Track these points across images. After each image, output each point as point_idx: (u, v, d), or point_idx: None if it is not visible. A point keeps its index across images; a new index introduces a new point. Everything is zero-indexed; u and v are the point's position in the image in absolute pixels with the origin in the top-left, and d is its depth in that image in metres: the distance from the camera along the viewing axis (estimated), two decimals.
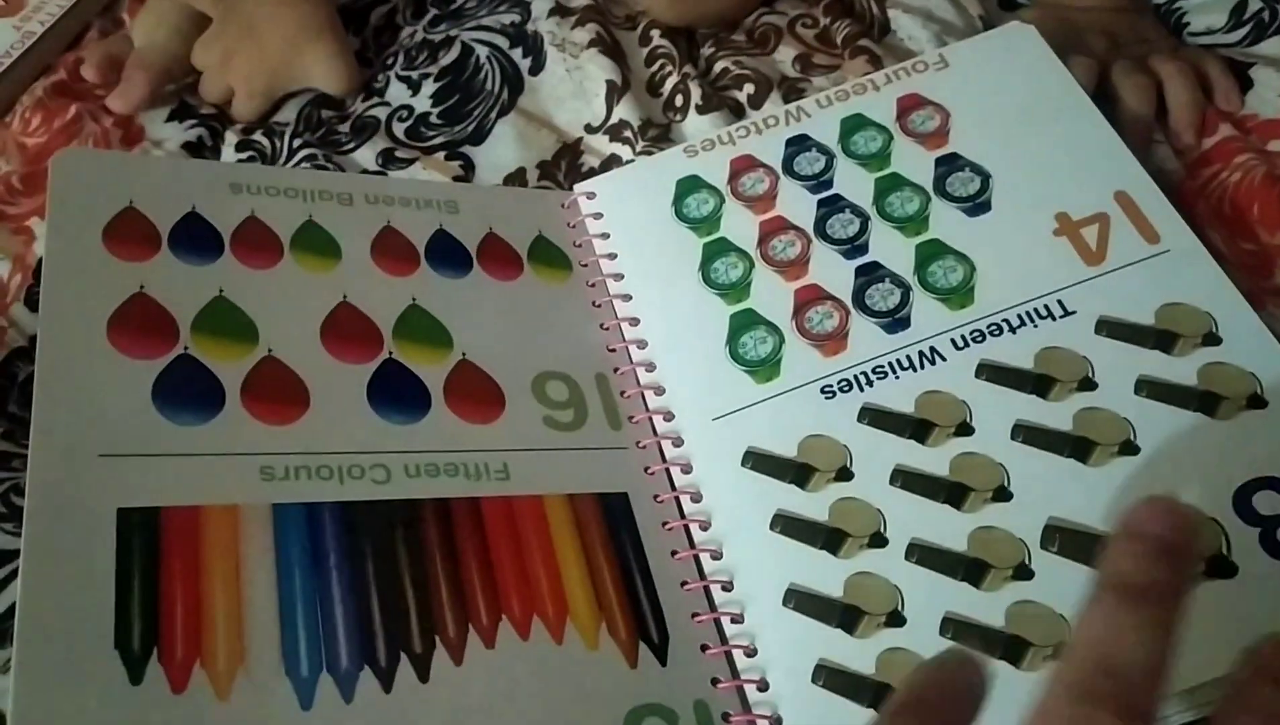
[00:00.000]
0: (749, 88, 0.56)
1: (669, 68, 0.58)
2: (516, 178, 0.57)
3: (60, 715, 0.33)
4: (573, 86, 0.60)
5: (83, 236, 0.44)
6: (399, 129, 0.61)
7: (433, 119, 0.61)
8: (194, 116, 0.64)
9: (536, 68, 0.61)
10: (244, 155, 0.62)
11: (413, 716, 0.35)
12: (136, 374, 0.41)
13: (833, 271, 0.46)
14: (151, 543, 0.37)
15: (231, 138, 0.62)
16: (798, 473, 0.41)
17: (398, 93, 0.63)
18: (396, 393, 0.44)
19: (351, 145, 0.61)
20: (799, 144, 0.51)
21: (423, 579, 0.39)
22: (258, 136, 0.62)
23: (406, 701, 0.36)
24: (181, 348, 0.42)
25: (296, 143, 0.61)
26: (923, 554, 0.38)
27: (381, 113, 0.62)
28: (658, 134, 0.56)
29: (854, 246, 0.47)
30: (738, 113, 0.56)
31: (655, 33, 0.60)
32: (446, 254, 0.49)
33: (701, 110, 0.56)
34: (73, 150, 0.59)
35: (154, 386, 0.41)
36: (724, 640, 0.39)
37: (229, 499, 0.39)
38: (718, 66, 0.58)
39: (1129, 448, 0.38)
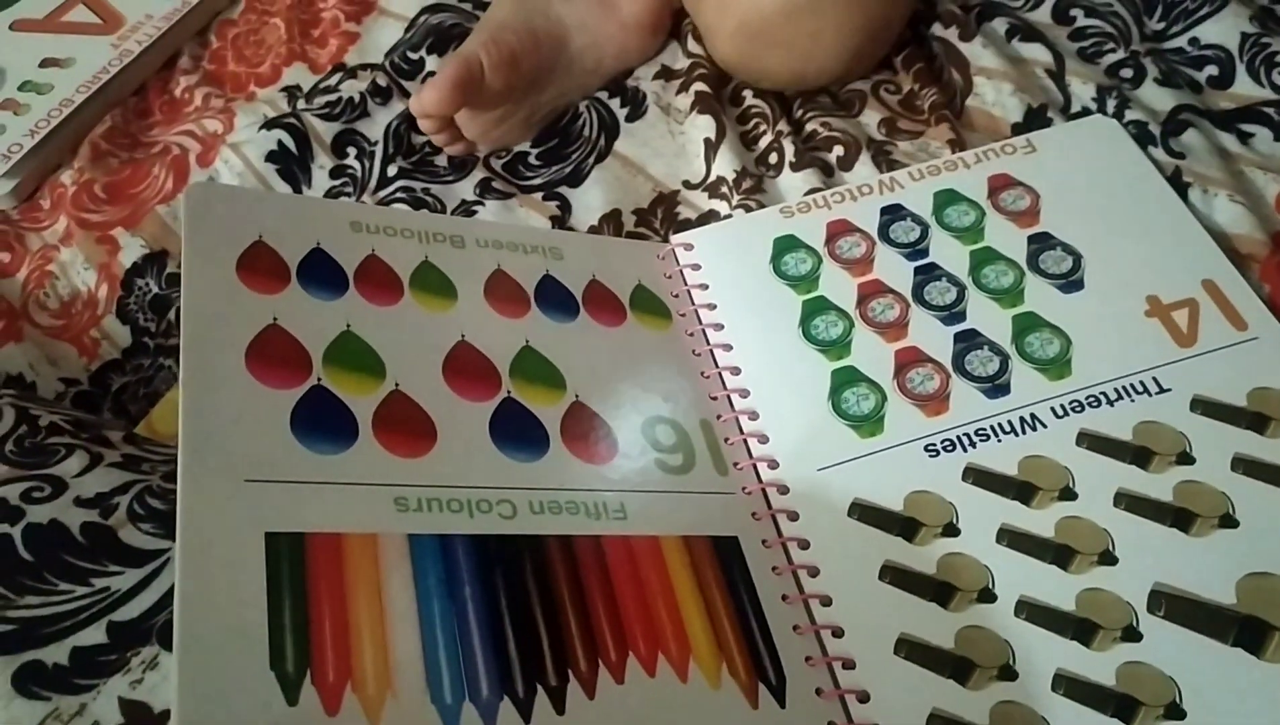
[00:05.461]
0: (838, 150, 0.59)
1: (763, 126, 0.61)
2: (612, 219, 0.59)
3: None
4: (675, 147, 0.62)
5: (219, 268, 0.45)
6: (496, 163, 0.63)
7: (531, 160, 0.63)
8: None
9: (634, 116, 0.64)
10: (337, 181, 0.63)
11: None
12: (275, 402, 0.42)
13: (932, 336, 0.49)
14: (298, 567, 0.38)
15: (324, 160, 0.64)
16: (905, 526, 0.43)
17: None
18: (518, 431, 0.45)
19: (452, 178, 0.63)
20: (894, 213, 0.53)
21: (553, 613, 0.40)
22: (350, 161, 0.64)
23: None
24: (315, 379, 0.44)
25: (392, 171, 0.63)
26: (1032, 611, 0.40)
27: None
28: (752, 185, 0.58)
29: (951, 313, 0.49)
30: (827, 172, 0.59)
31: (747, 93, 0.63)
32: (555, 298, 0.51)
33: (795, 167, 0.58)
34: (204, 183, 0.61)
35: (292, 415, 0.42)
36: (837, 685, 0.41)
37: (368, 528, 0.40)
38: (808, 127, 0.61)
39: (1228, 521, 0.41)
